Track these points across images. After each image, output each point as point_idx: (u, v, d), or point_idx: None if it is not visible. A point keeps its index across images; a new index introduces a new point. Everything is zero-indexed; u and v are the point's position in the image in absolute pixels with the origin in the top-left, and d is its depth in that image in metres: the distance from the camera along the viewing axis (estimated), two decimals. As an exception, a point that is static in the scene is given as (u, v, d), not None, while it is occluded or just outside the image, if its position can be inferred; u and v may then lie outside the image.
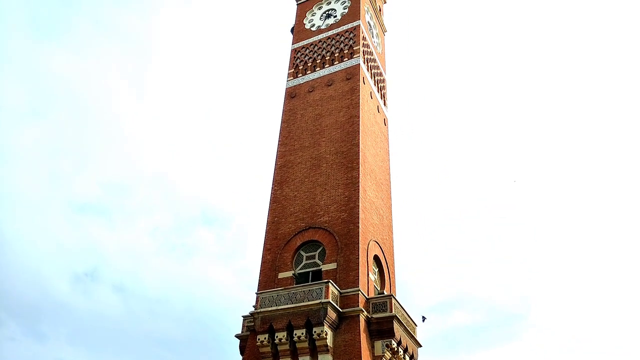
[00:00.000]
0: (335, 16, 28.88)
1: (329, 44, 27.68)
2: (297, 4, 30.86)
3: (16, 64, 64.15)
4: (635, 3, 65.99)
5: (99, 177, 63.00)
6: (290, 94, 26.79)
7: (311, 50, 28.01)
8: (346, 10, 28.69)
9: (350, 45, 26.95)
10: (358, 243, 20.25)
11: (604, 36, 71.99)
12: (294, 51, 28.57)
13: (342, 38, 27.51)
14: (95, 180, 62.57)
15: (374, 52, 29.23)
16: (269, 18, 74.03)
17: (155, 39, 75.35)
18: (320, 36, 28.34)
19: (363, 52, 27.01)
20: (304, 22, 29.69)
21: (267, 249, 22.05)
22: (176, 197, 66.44)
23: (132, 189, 65.64)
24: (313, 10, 29.97)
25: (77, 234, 59.99)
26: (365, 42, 27.76)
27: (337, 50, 27.15)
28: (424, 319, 22.17)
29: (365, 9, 29.50)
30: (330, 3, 29.77)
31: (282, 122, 25.98)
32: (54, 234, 58.55)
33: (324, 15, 29.45)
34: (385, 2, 34.87)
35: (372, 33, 30.19)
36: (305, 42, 28.56)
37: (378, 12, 32.42)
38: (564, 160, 66.55)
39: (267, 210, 23.33)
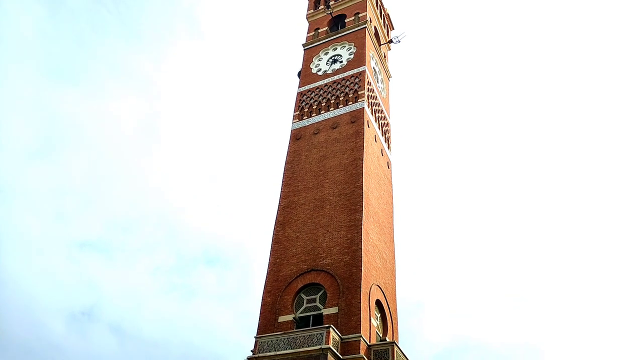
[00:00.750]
0: (341, 61, 29.57)
1: (334, 88, 28.21)
2: (305, 49, 31.70)
3: (29, 104, 65.54)
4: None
5: (102, 216, 63.00)
6: (296, 136, 27.06)
7: (317, 94, 28.52)
8: (352, 56, 29.40)
9: (356, 89, 27.44)
10: (360, 287, 19.86)
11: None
12: (300, 94, 29.09)
13: (348, 82, 28.05)
14: (98, 219, 62.57)
15: (378, 97, 29.72)
16: (276, 62, 76.02)
17: (166, 81, 77.22)
18: (326, 80, 28.93)
19: (368, 97, 27.46)
20: (311, 66, 30.39)
21: (267, 291, 21.64)
22: (178, 236, 66.16)
23: (134, 228, 65.51)
24: (320, 56, 30.74)
25: (76, 272, 59.34)
26: (370, 87, 28.28)
27: (342, 94, 27.62)
28: None
29: (371, 55, 30.24)
30: (336, 49, 30.55)
31: (287, 163, 26.12)
32: (53, 272, 57.93)
33: (330, 60, 30.16)
34: (389, 49, 35.77)
35: (377, 78, 30.81)
36: (311, 86, 29.13)
37: (383, 58, 33.20)
38: (577, 204, 66.29)
39: (269, 251, 23.08)
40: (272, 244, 23.22)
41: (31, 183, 60.37)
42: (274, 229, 23.76)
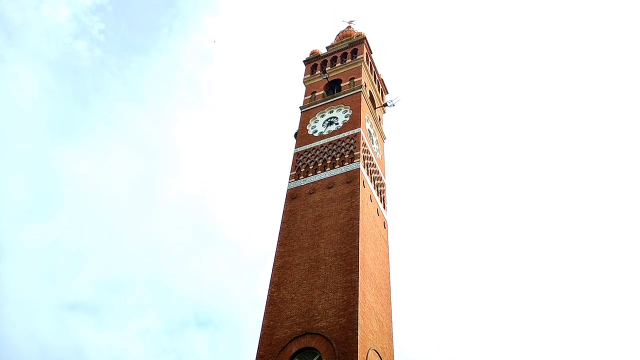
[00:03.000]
0: (337, 123, 30.29)
1: (330, 149, 28.69)
2: (302, 112, 32.54)
3: (28, 161, 66.09)
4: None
5: (93, 276, 61.72)
6: (291, 195, 27.16)
7: (313, 154, 28.96)
8: (347, 119, 30.15)
9: (351, 150, 27.91)
10: (357, 352, 19.14)
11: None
12: (297, 154, 29.52)
13: (343, 144, 28.58)
14: (89, 279, 61.23)
15: (374, 158, 30.18)
16: (273, 123, 77.73)
17: (166, 141, 78.43)
18: (322, 141, 29.48)
19: (363, 157, 27.88)
20: (307, 127, 31.08)
21: (260, 356, 20.80)
22: (170, 298, 64.49)
23: (125, 289, 63.93)
24: (316, 118, 31.52)
25: (64, 336, 57.21)
26: (365, 148, 28.78)
27: (338, 155, 28.05)
28: None
29: (366, 117, 31.03)
30: (332, 111, 31.39)
31: (282, 222, 26.01)
32: (40, 334, 55.83)
33: (327, 122, 30.90)
34: (384, 112, 36.78)
35: (372, 140, 31.44)
36: (307, 146, 29.63)
37: (378, 121, 34.06)
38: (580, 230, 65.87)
39: (263, 313, 22.43)
40: (266, 306, 22.61)
41: (23, 241, 59.57)
42: (269, 289, 23.24)
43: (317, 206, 25.77)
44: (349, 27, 39.28)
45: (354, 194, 25.27)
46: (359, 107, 30.49)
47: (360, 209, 24.55)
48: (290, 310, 21.81)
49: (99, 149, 72.01)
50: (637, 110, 69.47)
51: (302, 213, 25.91)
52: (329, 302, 21.28)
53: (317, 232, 24.54)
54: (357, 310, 20.38)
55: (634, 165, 65.87)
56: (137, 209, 70.43)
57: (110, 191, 68.82)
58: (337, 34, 38.97)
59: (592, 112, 77.00)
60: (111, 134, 74.66)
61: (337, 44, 37.08)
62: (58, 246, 63.14)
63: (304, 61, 36.69)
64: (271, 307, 22.41)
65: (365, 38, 35.71)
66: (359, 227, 23.65)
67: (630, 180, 66.15)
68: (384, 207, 29.64)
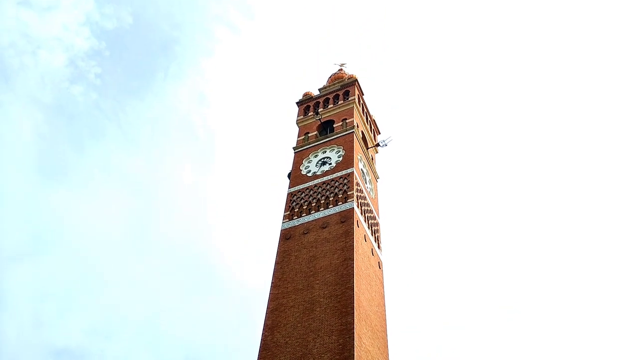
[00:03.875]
0: (330, 164, 30.49)
1: (324, 189, 28.75)
2: (295, 152, 32.79)
3: (20, 205, 65.54)
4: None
5: (82, 322, 60.19)
6: (285, 236, 26.96)
7: (307, 194, 28.97)
8: (340, 159, 30.39)
9: (345, 190, 27.98)
10: (353, 398, 18.53)
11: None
12: (290, 195, 29.53)
13: (337, 183, 28.68)
14: (78, 325, 59.66)
15: (367, 197, 30.24)
16: (266, 164, 78.11)
17: (160, 184, 78.36)
18: (315, 181, 29.58)
19: (357, 197, 27.92)
20: (301, 168, 31.24)
21: (253, 404, 20.05)
22: (161, 342, 62.66)
23: (115, 334, 62.15)
24: (309, 158, 31.74)
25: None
26: (358, 188, 28.88)
27: (331, 195, 28.08)
28: None
29: (359, 157, 31.30)
30: (325, 152, 31.66)
31: (276, 263, 25.70)
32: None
33: (320, 162, 31.11)
34: (377, 152, 37.16)
35: (366, 179, 31.60)
36: (301, 187, 29.69)
37: (371, 160, 34.35)
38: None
39: (257, 358, 21.78)
40: (259, 351, 21.99)
41: (12, 285, 58.27)
42: (262, 333, 22.67)
43: (312, 246, 25.56)
44: (341, 69, 40.22)
45: (348, 234, 25.14)
46: (352, 147, 30.80)
47: (355, 249, 24.35)
48: (285, 355, 21.21)
49: (92, 191, 71.76)
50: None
51: (296, 254, 25.64)
52: (324, 346, 20.76)
53: (311, 273, 24.22)
54: (353, 355, 19.86)
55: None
56: (130, 251, 69.57)
57: (103, 234, 68.09)
58: (329, 76, 39.85)
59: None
60: (104, 177, 74.62)
61: (329, 86, 37.85)
62: (47, 290, 61.82)
63: (297, 103, 37.30)
64: (265, 352, 21.79)
65: (356, 80, 36.51)
66: (353, 267, 23.39)
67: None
68: (379, 247, 29.45)
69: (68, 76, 73.79)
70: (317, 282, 23.62)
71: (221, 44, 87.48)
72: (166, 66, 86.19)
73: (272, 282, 24.79)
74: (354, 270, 23.28)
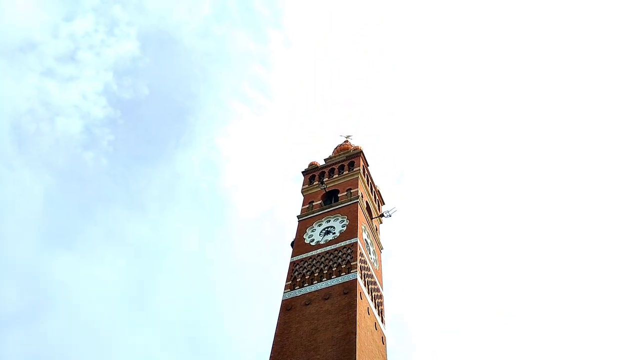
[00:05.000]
0: (334, 233, 30.34)
1: (327, 259, 28.39)
2: (299, 221, 32.77)
3: (21, 268, 64.99)
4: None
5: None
6: (286, 307, 26.28)
7: (309, 264, 28.58)
8: (344, 228, 30.28)
9: (348, 260, 27.61)
10: None
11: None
12: (293, 264, 29.13)
13: (340, 253, 28.36)
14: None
15: (371, 268, 29.75)
16: (270, 232, 77.84)
17: (164, 252, 77.90)
18: (318, 250, 29.28)
19: (360, 268, 27.48)
20: (304, 236, 31.06)
21: None
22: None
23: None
24: (313, 227, 31.65)
25: None
26: (362, 258, 28.50)
27: (335, 265, 27.68)
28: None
29: (363, 227, 31.19)
30: (329, 221, 31.63)
31: (276, 335, 24.84)
32: None
33: (324, 231, 30.98)
34: (381, 223, 37.07)
35: (369, 250, 31.27)
36: (304, 256, 29.36)
37: (375, 231, 34.18)
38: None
39: None
40: None
41: (7, 349, 56.35)
42: (258, 412, 21.46)
43: (313, 318, 24.81)
44: (346, 141, 41.17)
45: (351, 306, 24.48)
46: (356, 217, 30.78)
47: (358, 323, 23.61)
48: None
49: (95, 258, 71.30)
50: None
51: (297, 326, 24.85)
52: None
53: (312, 346, 23.32)
54: None
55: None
56: (129, 321, 67.85)
57: (102, 302, 66.81)
58: (334, 147, 40.75)
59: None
60: (109, 243, 74.38)
61: (334, 156, 38.58)
62: (42, 354, 59.66)
63: (303, 172, 37.85)
64: None
65: (361, 151, 37.25)
66: (356, 342, 22.54)
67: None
68: (382, 321, 28.53)
69: (82, 142, 75.96)
70: (318, 356, 22.69)
71: (233, 115, 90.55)
72: (178, 135, 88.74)
73: (270, 356, 23.84)
74: (357, 346, 22.42)
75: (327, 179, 35.95)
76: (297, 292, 26.95)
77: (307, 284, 27.22)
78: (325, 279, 27.05)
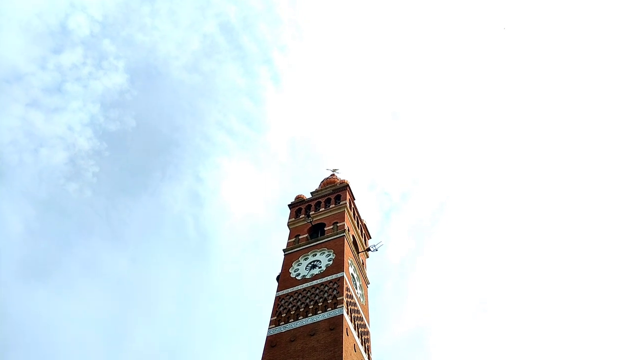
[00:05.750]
0: (320, 267, 29.99)
1: (313, 293, 27.94)
2: (285, 254, 32.38)
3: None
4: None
5: None
6: (271, 343, 25.61)
7: (295, 298, 28.07)
8: (331, 262, 29.96)
9: (334, 295, 27.20)
10: None
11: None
12: (278, 298, 28.59)
13: (326, 288, 27.95)
14: None
15: (357, 303, 29.33)
16: (256, 267, 76.74)
17: (142, 285, 76.10)
18: (304, 285, 28.84)
19: (347, 303, 27.07)
20: (290, 270, 30.62)
21: None
22: None
23: None
24: (299, 261, 31.27)
25: None
26: (349, 293, 28.12)
27: (320, 300, 27.23)
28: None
29: (349, 262, 30.91)
30: (316, 255, 31.31)
31: (260, 374, 24.09)
32: None
33: (309, 265, 30.61)
34: (367, 257, 36.83)
35: (356, 284, 30.90)
36: (289, 290, 28.86)
37: (361, 265, 33.90)
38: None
39: None
40: None
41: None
42: None
43: (298, 356, 24.17)
44: (333, 175, 41.33)
45: (337, 343, 23.94)
46: (342, 251, 30.54)
47: (344, 360, 23.03)
48: None
49: (72, 291, 69.38)
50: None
51: (281, 363, 24.15)
52: None
53: (297, 385, 22.62)
54: None
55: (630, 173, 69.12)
56: (103, 356, 65.21)
57: (77, 338, 64.59)
58: (321, 180, 40.81)
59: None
60: (86, 276, 72.57)
61: (321, 189, 38.59)
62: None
63: (289, 205, 37.69)
64: None
65: (348, 185, 37.35)
66: (342, 380, 21.94)
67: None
68: (369, 358, 27.91)
69: (65, 173, 74.85)
70: (303, 396, 21.98)
71: (219, 148, 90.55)
72: (163, 167, 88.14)
73: (254, 395, 23.03)
74: (343, 384, 21.81)
75: (313, 212, 35.82)
76: (282, 328, 26.34)
77: (292, 320, 26.65)
78: (311, 314, 26.54)
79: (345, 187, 37.16)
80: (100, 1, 74.93)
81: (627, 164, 77.35)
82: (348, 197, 36.35)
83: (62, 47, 74.90)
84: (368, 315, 31.15)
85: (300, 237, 33.79)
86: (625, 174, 76.98)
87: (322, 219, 34.87)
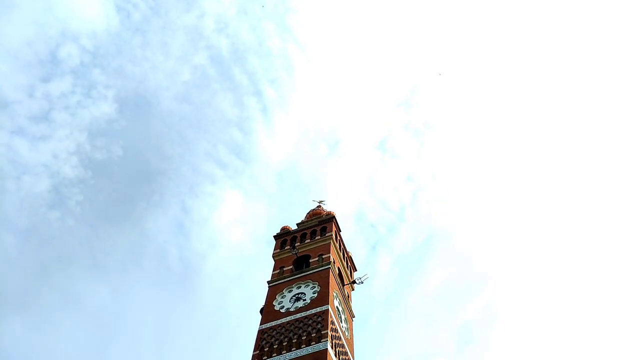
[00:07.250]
0: (305, 300, 29.51)
1: (296, 326, 27.39)
2: (269, 286, 31.87)
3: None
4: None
5: None
6: (253, 379, 24.87)
7: (278, 332, 27.47)
8: (315, 295, 29.53)
9: (319, 329, 26.70)
10: None
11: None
12: (261, 332, 27.95)
13: (310, 321, 27.44)
14: None
15: (342, 337, 28.78)
16: (240, 299, 75.29)
17: (121, 317, 74.01)
18: (288, 318, 28.28)
19: (331, 337, 26.56)
20: (274, 303, 30.06)
21: None
22: None
23: None
24: (283, 293, 30.76)
25: None
26: (333, 327, 27.62)
27: (304, 333, 26.69)
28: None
29: (334, 294, 30.50)
30: (300, 287, 30.86)
31: (240, 411, 23.28)
32: None
33: (294, 298, 30.11)
34: (353, 290, 36.40)
35: (341, 318, 30.40)
36: (273, 323, 28.25)
37: (347, 298, 33.45)
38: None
39: None
40: None
41: None
42: None
43: (280, 392, 23.47)
44: (319, 206, 41.22)
45: (321, 378, 23.35)
46: (327, 284, 30.16)
47: (328, 397, 22.42)
48: None
49: (49, 324, 67.01)
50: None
51: (263, 400, 23.41)
52: None
53: (278, 423, 21.87)
54: None
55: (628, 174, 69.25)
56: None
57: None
58: (307, 212, 40.65)
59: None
60: (65, 307, 70.29)
61: (307, 221, 38.39)
62: None
63: (275, 236, 37.33)
64: None
65: (334, 217, 37.24)
66: (325, 418, 21.29)
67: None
68: (353, 395, 27.22)
69: (48, 202, 73.50)
70: None
71: (206, 178, 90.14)
72: (149, 196, 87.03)
73: None
74: (326, 422, 21.15)
75: (298, 243, 35.50)
76: (265, 362, 25.65)
77: (275, 354, 26.01)
78: (294, 348, 25.95)
79: (331, 218, 37.03)
80: (93, 32, 75.44)
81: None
82: (334, 228, 36.18)
83: (51, 76, 74.85)
84: (353, 350, 30.53)
85: (284, 268, 33.36)
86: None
87: (308, 250, 34.56)
